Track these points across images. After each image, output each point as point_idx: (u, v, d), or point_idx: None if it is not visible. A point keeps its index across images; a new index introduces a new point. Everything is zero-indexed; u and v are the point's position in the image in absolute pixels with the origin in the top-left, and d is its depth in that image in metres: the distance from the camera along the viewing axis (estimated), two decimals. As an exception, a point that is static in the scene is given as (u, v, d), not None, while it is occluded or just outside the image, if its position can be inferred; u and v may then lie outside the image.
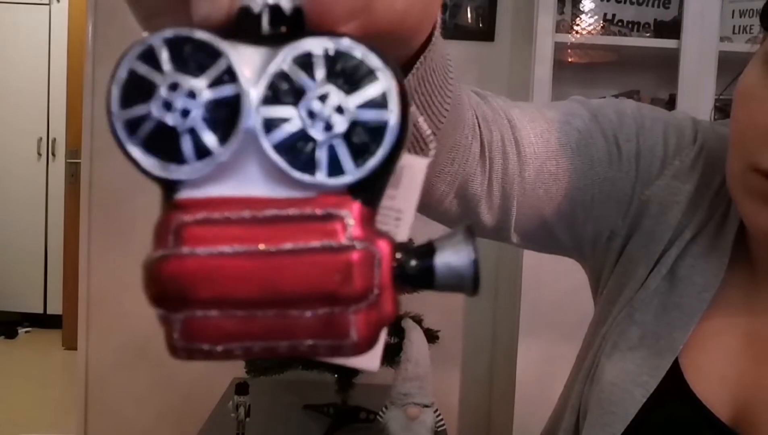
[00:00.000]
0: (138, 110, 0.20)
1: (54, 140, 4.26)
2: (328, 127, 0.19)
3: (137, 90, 0.20)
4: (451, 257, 0.20)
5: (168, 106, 0.19)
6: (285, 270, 0.18)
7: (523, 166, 0.54)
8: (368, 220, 0.20)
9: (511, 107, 0.56)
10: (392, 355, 1.60)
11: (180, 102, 0.19)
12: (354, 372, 1.68)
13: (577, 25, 1.92)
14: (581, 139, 0.57)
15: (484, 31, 2.11)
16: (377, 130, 0.19)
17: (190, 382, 2.16)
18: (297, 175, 0.19)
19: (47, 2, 4.22)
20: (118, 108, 0.20)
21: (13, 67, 4.23)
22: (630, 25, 1.93)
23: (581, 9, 1.92)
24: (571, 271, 0.72)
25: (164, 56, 0.19)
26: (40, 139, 4.28)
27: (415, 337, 1.58)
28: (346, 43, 0.19)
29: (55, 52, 4.19)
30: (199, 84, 0.19)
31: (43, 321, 4.27)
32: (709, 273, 0.55)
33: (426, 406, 1.48)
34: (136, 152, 0.20)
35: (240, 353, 0.19)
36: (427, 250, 0.20)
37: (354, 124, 0.19)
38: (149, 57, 0.19)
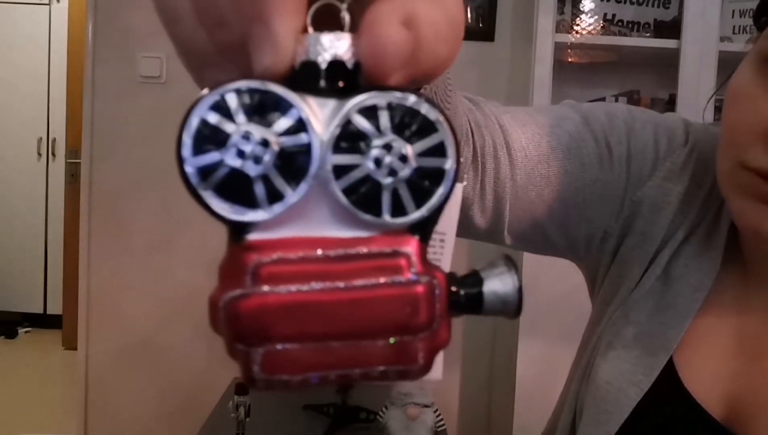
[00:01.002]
0: (210, 157, 0.22)
1: (54, 140, 4.26)
2: (393, 172, 0.21)
3: (208, 138, 0.21)
4: (498, 286, 0.22)
5: (241, 154, 0.21)
6: (359, 305, 0.20)
7: (514, 169, 0.55)
8: (425, 254, 0.22)
9: (503, 112, 0.57)
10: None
11: (253, 150, 0.21)
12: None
13: (577, 25, 1.92)
14: (572, 142, 0.58)
15: (484, 31, 2.11)
16: (437, 175, 0.21)
17: (190, 382, 2.16)
18: (365, 216, 0.21)
19: (47, 2, 4.22)
20: (190, 155, 0.22)
21: (13, 67, 4.23)
22: (630, 25, 1.93)
23: (581, 9, 1.92)
24: (571, 272, 0.72)
25: (235, 106, 0.21)
26: (40, 139, 4.28)
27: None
28: (410, 98, 0.21)
29: (55, 52, 4.19)
30: (271, 133, 0.21)
31: (43, 321, 4.27)
32: (703, 273, 0.55)
33: (426, 406, 1.48)
34: (209, 197, 0.22)
35: (317, 382, 0.21)
36: (475, 281, 0.22)
37: (415, 170, 0.21)
38: (220, 107, 0.21)
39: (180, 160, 0.22)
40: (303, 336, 0.20)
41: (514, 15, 2.12)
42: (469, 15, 2.12)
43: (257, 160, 0.21)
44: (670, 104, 1.86)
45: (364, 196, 0.21)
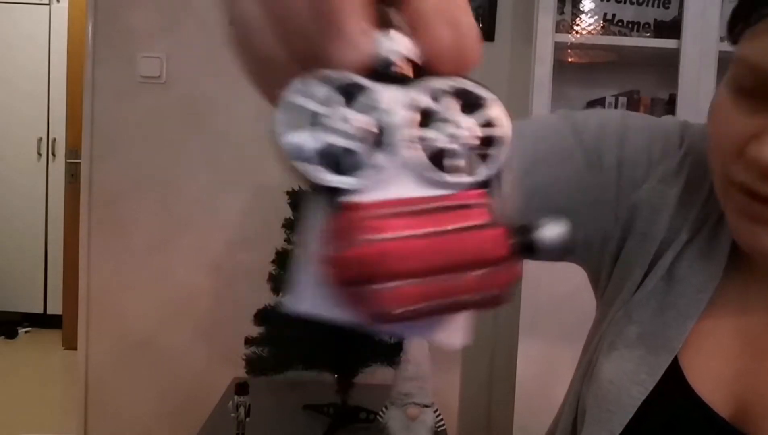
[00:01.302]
0: (304, 135, 0.25)
1: (54, 140, 4.26)
2: (463, 142, 0.26)
3: (300, 119, 0.25)
4: (547, 232, 0.27)
5: (338, 132, 0.25)
6: (452, 244, 0.25)
7: None
8: (493, 205, 0.27)
9: None
10: (392, 355, 1.60)
11: (346, 128, 0.25)
12: (354, 372, 1.69)
13: (577, 25, 1.92)
14: (555, 153, 0.60)
15: (484, 31, 2.11)
16: (497, 141, 0.27)
17: (190, 382, 2.16)
18: (447, 178, 0.26)
19: (47, 2, 4.22)
20: (286, 133, 0.24)
21: (13, 67, 4.23)
22: (630, 25, 1.93)
23: (581, 9, 1.92)
24: (571, 272, 0.73)
25: (322, 92, 0.25)
26: (40, 139, 4.28)
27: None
28: (464, 82, 0.26)
29: (55, 52, 4.19)
30: (358, 115, 0.25)
31: (43, 321, 4.27)
32: (706, 274, 0.56)
33: (426, 406, 1.48)
34: (308, 168, 0.25)
35: (424, 313, 0.25)
36: (528, 228, 0.27)
37: (478, 139, 0.26)
38: (307, 93, 0.25)
39: (276, 139, 0.25)
40: (409, 274, 0.24)
41: (514, 15, 2.12)
42: (469, 15, 2.12)
43: (352, 136, 0.25)
44: (670, 104, 1.86)
45: (442, 161, 0.26)
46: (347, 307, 0.25)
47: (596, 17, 1.92)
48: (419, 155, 0.26)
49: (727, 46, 1.82)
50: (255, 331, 1.70)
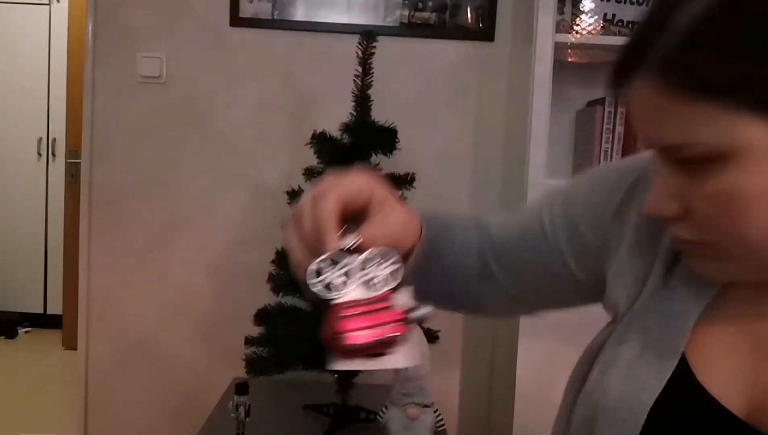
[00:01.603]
0: (318, 282, 0.55)
1: (54, 140, 4.26)
2: (382, 276, 0.56)
3: (317, 275, 0.55)
4: (417, 313, 0.58)
5: (327, 281, 0.55)
6: (378, 317, 0.55)
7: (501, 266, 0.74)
8: (397, 297, 0.56)
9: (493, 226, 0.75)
10: (392, 355, 1.60)
11: (334, 279, 0.55)
12: (354, 372, 1.68)
13: (577, 25, 1.92)
14: (527, 230, 0.71)
15: (484, 31, 2.12)
16: (397, 271, 0.56)
17: (190, 382, 2.16)
18: (378, 287, 0.56)
19: (47, 2, 4.22)
20: (312, 277, 0.54)
21: (13, 67, 4.23)
22: (630, 25, 1.93)
23: (581, 9, 1.92)
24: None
25: (325, 263, 0.55)
26: (40, 139, 4.28)
27: (415, 337, 1.58)
28: (385, 250, 0.57)
29: (55, 52, 4.19)
30: (341, 272, 0.55)
31: (43, 321, 4.27)
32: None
33: (426, 406, 1.48)
34: (320, 290, 0.55)
35: (368, 347, 0.54)
36: (414, 309, 0.57)
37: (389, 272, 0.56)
38: (321, 260, 0.55)
39: (307, 283, 0.55)
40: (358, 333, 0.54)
41: (514, 15, 2.12)
42: (469, 15, 2.12)
43: (335, 284, 0.55)
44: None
45: (372, 283, 0.56)
46: (332, 350, 0.54)
47: (596, 17, 1.92)
48: (366, 280, 0.55)
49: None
50: (255, 331, 1.70)
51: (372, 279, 0.55)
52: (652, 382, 0.55)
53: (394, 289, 0.55)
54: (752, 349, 0.54)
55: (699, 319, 0.56)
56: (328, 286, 0.54)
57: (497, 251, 0.72)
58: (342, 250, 0.55)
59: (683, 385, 0.55)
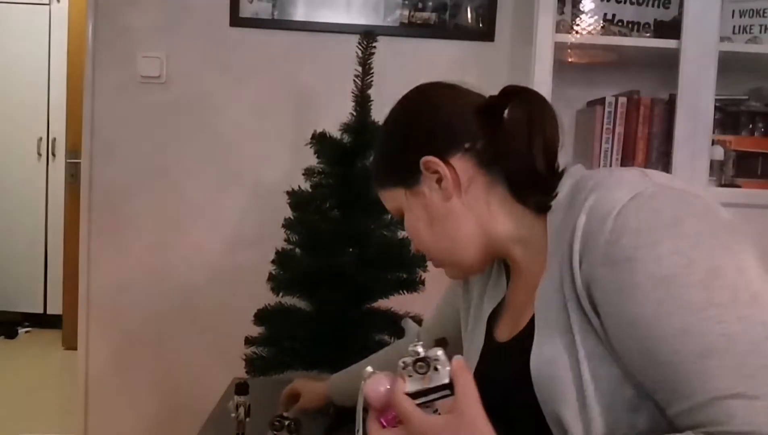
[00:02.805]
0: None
1: (54, 140, 4.26)
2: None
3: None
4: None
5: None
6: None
7: None
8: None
9: None
10: (392, 355, 1.60)
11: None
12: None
13: (577, 25, 1.92)
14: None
15: (484, 31, 2.12)
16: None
17: (190, 382, 2.16)
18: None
19: (47, 2, 4.22)
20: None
21: (13, 67, 4.23)
22: (630, 25, 1.93)
23: (581, 9, 1.92)
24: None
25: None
26: (40, 139, 4.28)
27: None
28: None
29: (55, 52, 4.19)
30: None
31: (43, 321, 4.27)
32: (498, 289, 0.94)
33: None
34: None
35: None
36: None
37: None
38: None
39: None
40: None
41: (514, 15, 2.12)
42: (469, 15, 2.12)
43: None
44: (670, 104, 1.86)
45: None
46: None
47: (596, 17, 1.92)
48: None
49: (727, 46, 1.82)
50: (255, 331, 1.70)
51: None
52: (476, 346, 0.92)
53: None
54: (510, 307, 0.89)
55: (497, 307, 0.91)
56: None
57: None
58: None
59: (487, 339, 0.91)
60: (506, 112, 0.85)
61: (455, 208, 0.84)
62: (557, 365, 0.72)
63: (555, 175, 0.81)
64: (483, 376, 0.89)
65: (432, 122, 0.88)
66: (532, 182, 0.81)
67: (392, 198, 0.91)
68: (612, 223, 0.67)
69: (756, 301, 0.63)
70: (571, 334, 0.71)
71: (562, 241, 0.73)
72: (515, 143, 0.82)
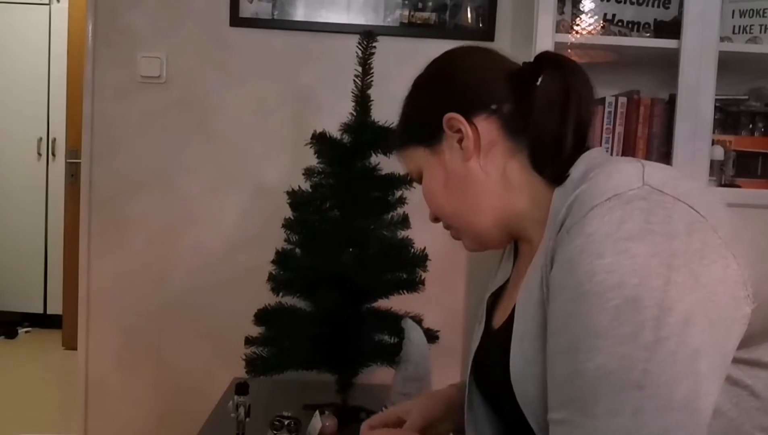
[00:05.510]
0: None
1: (54, 140, 4.26)
2: None
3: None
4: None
5: None
6: None
7: None
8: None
9: None
10: (392, 355, 1.60)
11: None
12: (354, 372, 1.69)
13: (577, 25, 1.92)
14: None
15: (484, 31, 2.12)
16: None
17: (190, 382, 2.16)
18: None
19: (47, 2, 4.22)
20: None
21: (13, 67, 4.23)
22: (630, 25, 1.93)
23: (581, 9, 1.92)
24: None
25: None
26: (40, 139, 4.28)
27: (415, 337, 1.58)
28: None
29: (55, 52, 4.20)
30: None
31: (43, 321, 4.27)
32: (504, 270, 0.96)
33: (426, 406, 1.48)
34: None
35: None
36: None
37: None
38: None
39: None
40: None
41: (514, 15, 2.12)
42: (469, 15, 2.12)
43: None
44: (670, 104, 1.86)
45: None
46: None
47: (596, 17, 1.92)
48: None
49: (727, 46, 1.82)
50: (255, 331, 1.70)
51: None
52: (480, 330, 0.93)
53: None
54: (507, 292, 0.90)
55: (501, 289, 0.92)
56: None
57: None
58: None
59: (487, 323, 0.91)
60: (540, 79, 0.83)
61: (473, 171, 0.81)
62: (535, 365, 0.70)
63: (579, 152, 0.77)
64: (480, 361, 0.92)
65: (461, 80, 0.86)
66: (555, 154, 0.76)
67: (412, 158, 0.88)
68: (580, 220, 0.64)
69: (657, 346, 0.57)
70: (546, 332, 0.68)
71: (551, 230, 0.71)
72: (547, 112, 0.78)
